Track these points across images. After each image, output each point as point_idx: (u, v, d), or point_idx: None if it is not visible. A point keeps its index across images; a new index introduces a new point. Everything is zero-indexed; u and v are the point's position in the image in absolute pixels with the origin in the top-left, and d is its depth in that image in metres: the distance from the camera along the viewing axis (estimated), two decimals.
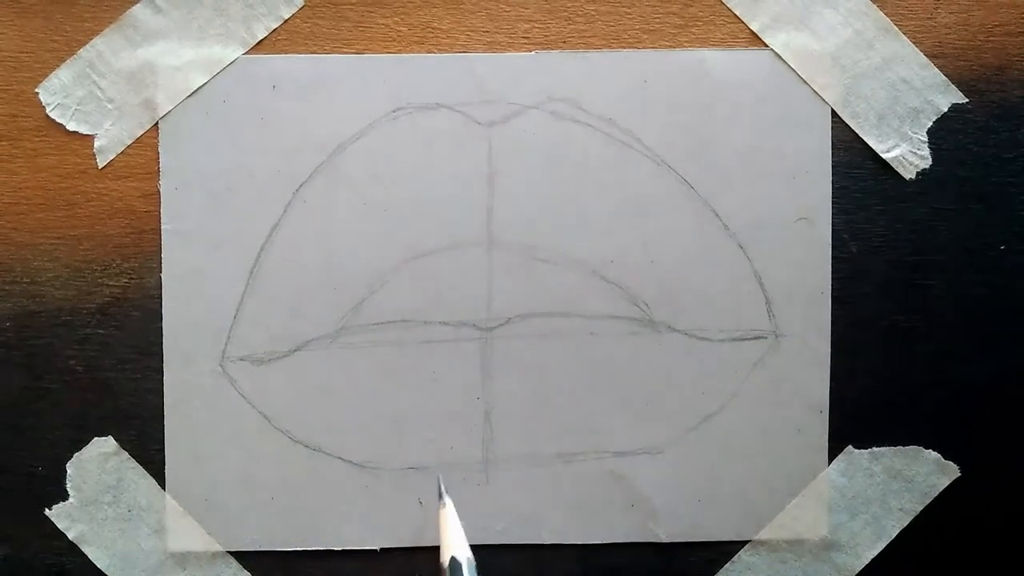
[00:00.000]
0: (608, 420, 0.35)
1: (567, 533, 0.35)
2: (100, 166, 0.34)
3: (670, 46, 0.35)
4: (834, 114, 0.35)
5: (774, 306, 0.35)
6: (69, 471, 0.35)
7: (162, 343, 0.34)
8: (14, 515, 0.35)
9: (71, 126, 0.34)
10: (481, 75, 0.34)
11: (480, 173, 0.35)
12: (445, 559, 0.30)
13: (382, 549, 0.35)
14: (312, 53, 0.34)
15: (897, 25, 0.35)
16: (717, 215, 0.35)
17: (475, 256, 0.35)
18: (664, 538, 0.35)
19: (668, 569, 0.35)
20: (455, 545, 0.30)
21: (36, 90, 0.34)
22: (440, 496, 0.32)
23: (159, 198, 0.34)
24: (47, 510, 0.35)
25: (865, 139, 0.35)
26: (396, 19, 0.34)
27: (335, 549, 0.35)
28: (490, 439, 0.35)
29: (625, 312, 0.35)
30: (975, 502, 0.36)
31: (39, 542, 0.35)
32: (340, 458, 0.35)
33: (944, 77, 0.35)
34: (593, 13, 0.35)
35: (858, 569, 0.36)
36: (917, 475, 0.36)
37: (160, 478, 0.35)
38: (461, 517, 0.35)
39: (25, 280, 0.34)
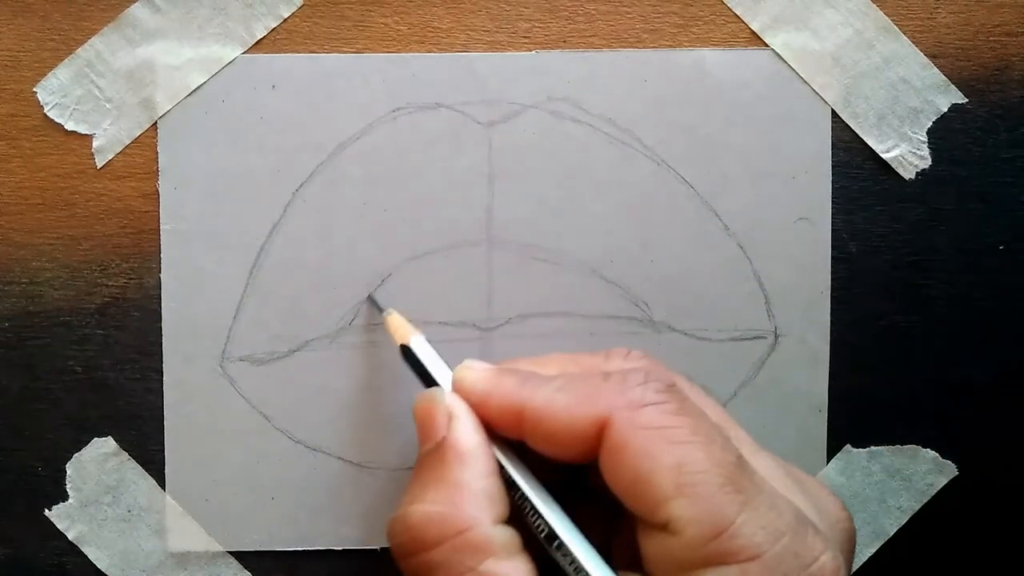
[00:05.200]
0: None
1: None
2: (99, 166, 0.34)
3: (670, 46, 0.35)
4: (834, 114, 0.35)
5: (774, 306, 0.35)
6: (69, 471, 0.34)
7: (162, 343, 0.34)
8: (14, 515, 0.35)
9: (69, 126, 0.34)
10: (481, 75, 0.34)
11: (480, 173, 0.34)
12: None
13: (382, 549, 0.35)
14: (312, 52, 0.34)
15: (897, 25, 0.35)
16: (717, 215, 0.35)
17: (475, 256, 0.34)
18: None
19: None
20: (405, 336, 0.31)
21: (34, 89, 0.34)
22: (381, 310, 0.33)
23: (158, 198, 0.34)
24: (47, 510, 0.35)
25: (865, 139, 0.35)
26: (396, 18, 0.34)
27: (335, 549, 0.35)
28: None
29: (625, 312, 0.35)
30: (973, 501, 0.36)
31: (39, 542, 0.35)
32: (340, 458, 0.35)
33: (944, 77, 0.35)
34: (594, 12, 0.35)
35: (856, 568, 0.36)
36: (915, 474, 0.36)
37: (160, 478, 0.35)
38: None
39: (24, 280, 0.34)
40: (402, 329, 0.31)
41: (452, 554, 0.25)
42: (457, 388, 0.28)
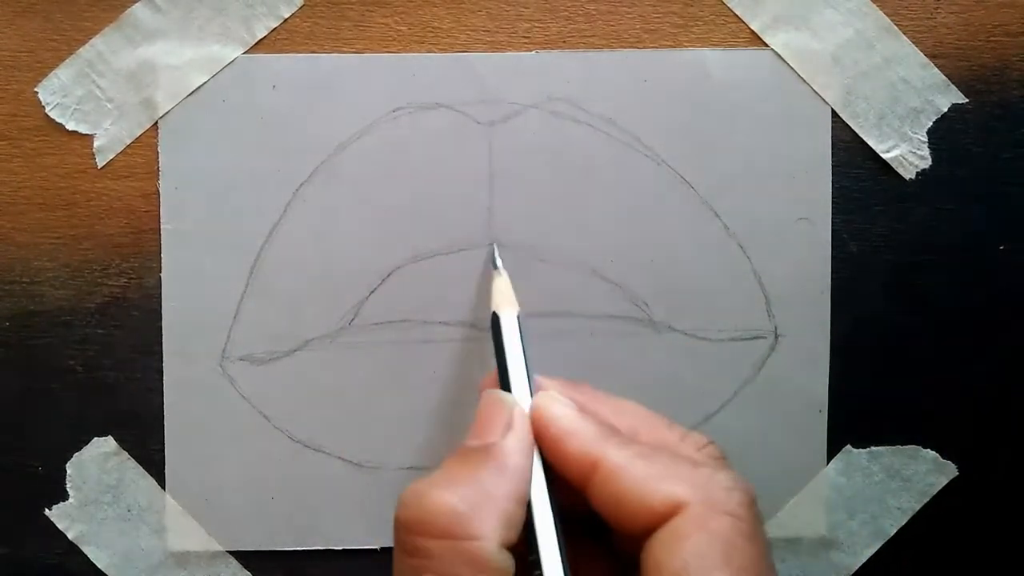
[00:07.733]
0: None
1: None
2: (100, 166, 0.34)
3: (670, 46, 0.35)
4: (834, 114, 0.35)
5: (774, 306, 0.35)
6: (69, 471, 0.35)
7: (162, 343, 0.34)
8: (14, 515, 0.35)
9: (70, 126, 0.34)
10: (481, 75, 0.34)
11: (480, 173, 0.35)
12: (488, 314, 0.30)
13: (382, 549, 0.35)
14: (312, 53, 0.34)
15: (897, 25, 0.35)
16: (717, 215, 0.35)
17: (475, 256, 0.35)
18: None
19: None
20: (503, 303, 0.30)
21: (35, 89, 0.34)
22: (496, 267, 0.32)
23: (159, 198, 0.34)
24: (47, 510, 0.35)
25: (865, 139, 0.35)
26: (396, 18, 0.34)
27: (335, 549, 0.35)
28: None
29: (625, 312, 0.35)
30: (972, 501, 0.36)
31: (39, 542, 0.35)
32: (340, 458, 0.35)
33: (944, 77, 0.35)
34: (594, 12, 0.35)
35: (855, 568, 0.36)
36: (915, 474, 0.36)
37: (160, 478, 0.35)
38: None
39: (25, 280, 0.34)
40: (504, 298, 0.31)
41: (451, 554, 0.24)
42: (538, 417, 0.27)
